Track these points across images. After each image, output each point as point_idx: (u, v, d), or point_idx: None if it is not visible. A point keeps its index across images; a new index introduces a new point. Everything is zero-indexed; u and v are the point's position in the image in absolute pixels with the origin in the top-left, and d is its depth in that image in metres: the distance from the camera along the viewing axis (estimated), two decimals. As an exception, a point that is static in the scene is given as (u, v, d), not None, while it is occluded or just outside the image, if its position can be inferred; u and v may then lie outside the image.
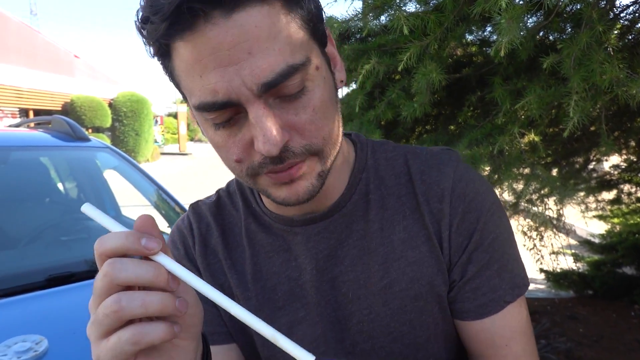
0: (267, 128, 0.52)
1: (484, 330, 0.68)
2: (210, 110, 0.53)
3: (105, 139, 15.76)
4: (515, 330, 0.68)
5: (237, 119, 0.55)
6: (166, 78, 0.59)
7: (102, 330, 0.44)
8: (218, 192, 0.81)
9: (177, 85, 0.58)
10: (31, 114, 15.09)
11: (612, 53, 1.47)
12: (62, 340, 1.22)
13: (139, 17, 0.52)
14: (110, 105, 17.47)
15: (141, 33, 0.53)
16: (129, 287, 0.45)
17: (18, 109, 14.82)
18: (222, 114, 0.54)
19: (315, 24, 0.57)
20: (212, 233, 0.76)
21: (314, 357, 0.45)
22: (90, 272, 1.64)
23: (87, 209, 0.47)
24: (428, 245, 0.68)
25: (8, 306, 1.38)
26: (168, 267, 0.45)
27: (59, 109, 16.14)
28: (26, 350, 1.14)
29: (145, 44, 0.55)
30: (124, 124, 17.42)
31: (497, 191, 2.69)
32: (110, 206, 2.75)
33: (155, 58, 0.57)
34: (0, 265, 1.70)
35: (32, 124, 3.30)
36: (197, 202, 0.80)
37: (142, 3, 0.51)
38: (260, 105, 0.52)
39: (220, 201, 0.79)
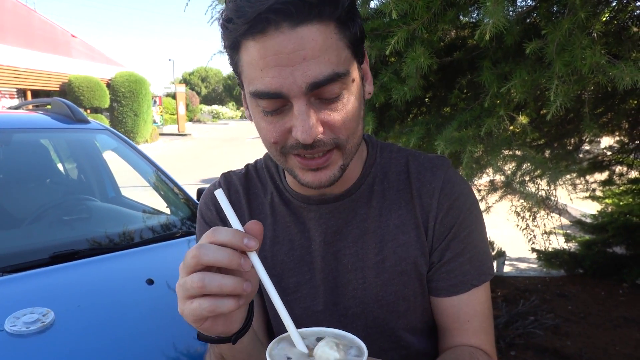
0: (306, 121, 0.65)
1: (452, 307, 0.83)
2: (263, 97, 0.66)
3: (103, 120, 15.74)
4: (477, 310, 0.83)
5: (282, 110, 0.67)
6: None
7: (187, 294, 0.58)
8: (247, 166, 0.95)
9: (238, 75, 0.71)
10: (29, 94, 15.03)
11: (596, 38, 1.51)
12: (67, 313, 1.30)
13: (223, 16, 0.67)
14: (108, 85, 17.39)
15: (223, 29, 0.67)
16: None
17: (16, 89, 14.76)
18: (272, 104, 0.67)
19: (358, 45, 0.71)
20: (240, 199, 0.90)
21: (306, 351, 0.59)
22: (92, 250, 1.71)
23: (219, 195, 0.62)
24: (416, 232, 0.83)
25: (15, 281, 1.45)
26: (254, 261, 0.59)
27: (57, 89, 16.07)
28: (34, 321, 1.22)
29: (221, 38, 0.70)
30: (122, 105, 17.36)
31: (488, 172, 2.75)
32: (110, 187, 2.81)
33: (226, 51, 0.71)
34: (6, 243, 1.77)
35: (30, 106, 3.34)
36: (228, 172, 0.94)
37: (229, 5, 0.65)
38: (304, 102, 0.65)
39: (249, 174, 0.93)
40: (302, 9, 0.61)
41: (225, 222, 0.88)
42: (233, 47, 0.68)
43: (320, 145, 0.68)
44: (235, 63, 0.70)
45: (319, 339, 0.60)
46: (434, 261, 0.83)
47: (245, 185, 0.91)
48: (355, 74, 0.70)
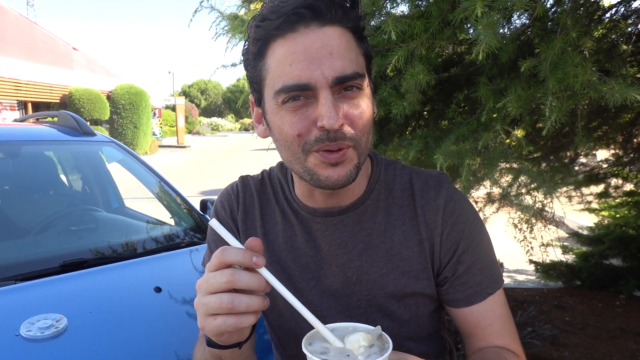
0: (332, 108, 0.70)
1: (472, 315, 0.87)
2: (290, 91, 0.71)
3: (103, 132, 15.79)
4: (496, 314, 0.87)
5: (306, 103, 0.72)
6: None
7: (211, 312, 0.64)
8: (262, 173, 1.01)
9: (259, 81, 0.77)
10: (29, 106, 15.11)
11: (587, 56, 1.57)
12: (79, 319, 1.34)
13: (257, 19, 0.73)
14: (108, 97, 17.50)
15: (255, 29, 0.73)
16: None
17: (17, 101, 14.84)
18: (297, 96, 0.72)
19: (369, 60, 0.80)
20: (254, 204, 0.95)
21: (342, 345, 0.64)
22: (100, 259, 1.76)
23: (214, 224, 0.67)
24: (419, 247, 0.87)
25: (28, 289, 1.50)
26: (265, 276, 0.65)
27: (58, 101, 16.16)
28: (48, 327, 1.26)
29: (249, 43, 0.76)
30: (122, 117, 17.47)
31: (485, 185, 2.80)
32: (114, 198, 2.86)
33: (250, 57, 0.77)
34: (17, 252, 1.82)
35: (34, 119, 3.39)
36: (246, 176, 1.00)
37: (263, 8, 0.72)
38: (329, 92, 0.71)
39: (264, 180, 0.98)
40: (330, 8, 0.70)
41: (235, 222, 0.95)
42: (259, 52, 0.74)
43: (342, 138, 0.73)
44: (258, 71, 0.76)
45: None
46: (447, 276, 0.87)
47: (259, 191, 0.96)
48: (368, 82, 0.78)
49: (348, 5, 0.73)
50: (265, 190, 0.97)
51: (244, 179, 0.99)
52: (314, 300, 0.89)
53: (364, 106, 0.75)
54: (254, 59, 0.76)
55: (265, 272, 0.64)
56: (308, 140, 0.73)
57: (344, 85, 0.72)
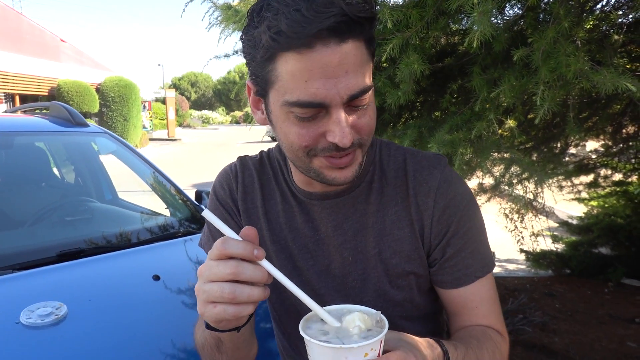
0: (345, 127, 0.72)
1: (459, 296, 0.89)
2: (305, 107, 0.71)
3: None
4: (483, 297, 0.89)
5: (316, 117, 0.73)
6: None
7: (212, 300, 0.65)
8: (261, 153, 1.01)
9: (267, 82, 0.74)
10: (17, 98, 14.93)
11: (579, 46, 1.60)
12: (78, 307, 1.35)
13: (271, 28, 0.68)
14: (97, 90, 17.33)
15: (270, 39, 0.68)
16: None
17: (4, 94, 14.65)
18: (310, 111, 0.72)
19: (373, 58, 0.78)
20: (254, 183, 0.96)
21: (339, 324, 0.66)
22: (97, 249, 1.77)
23: (207, 215, 0.67)
24: (410, 228, 0.88)
25: (26, 278, 1.50)
26: (265, 266, 0.66)
27: (46, 94, 15.97)
28: (48, 314, 1.27)
29: (258, 46, 0.71)
30: (111, 109, 17.31)
31: (478, 175, 2.84)
32: (107, 189, 2.85)
33: (258, 56, 0.72)
34: (14, 242, 1.82)
35: (24, 110, 3.35)
36: (245, 156, 1.01)
37: (279, 17, 0.66)
38: (342, 110, 0.72)
39: (263, 160, 0.99)
40: (350, 26, 0.67)
41: (235, 202, 0.96)
42: (269, 57, 0.71)
43: (349, 147, 0.74)
44: (265, 72, 0.73)
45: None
46: (436, 258, 0.88)
47: (259, 171, 0.97)
48: (373, 84, 0.78)
49: (367, 19, 0.70)
50: (265, 170, 0.97)
51: (243, 159, 1.00)
52: (312, 279, 0.91)
53: (371, 113, 0.77)
54: (261, 58, 0.73)
55: (265, 263, 0.66)
56: (315, 148, 0.75)
57: (355, 101, 0.72)
